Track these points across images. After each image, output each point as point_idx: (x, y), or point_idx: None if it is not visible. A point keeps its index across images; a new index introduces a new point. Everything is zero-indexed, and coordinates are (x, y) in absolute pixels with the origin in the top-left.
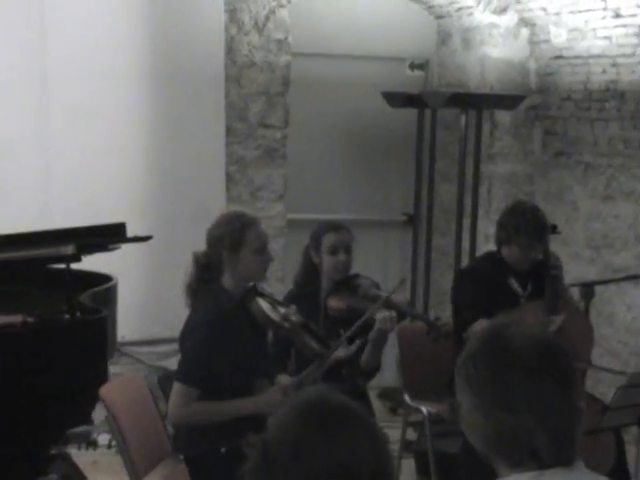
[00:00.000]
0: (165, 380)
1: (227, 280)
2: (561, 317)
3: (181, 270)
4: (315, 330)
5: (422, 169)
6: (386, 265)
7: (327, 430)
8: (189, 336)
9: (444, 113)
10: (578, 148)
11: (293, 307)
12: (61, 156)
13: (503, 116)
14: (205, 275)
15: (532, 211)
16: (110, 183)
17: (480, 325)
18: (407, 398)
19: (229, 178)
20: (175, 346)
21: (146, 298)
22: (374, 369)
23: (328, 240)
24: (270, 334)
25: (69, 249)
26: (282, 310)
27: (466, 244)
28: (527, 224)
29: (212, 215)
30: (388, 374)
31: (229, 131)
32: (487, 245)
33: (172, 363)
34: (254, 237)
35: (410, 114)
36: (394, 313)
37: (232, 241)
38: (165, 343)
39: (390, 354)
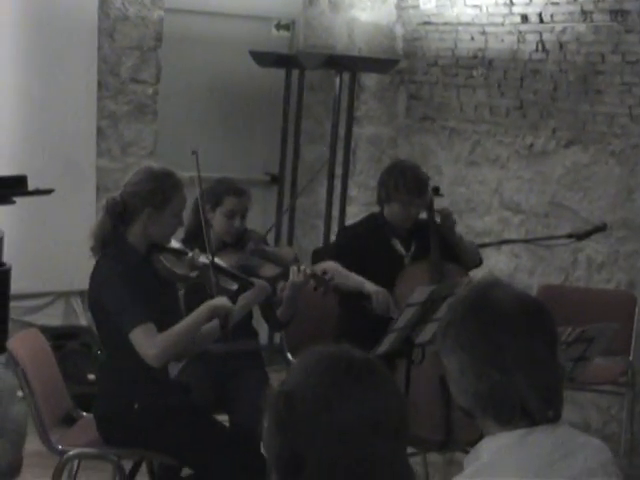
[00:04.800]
0: None
1: (134, 235)
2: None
3: (48, 223)
4: (226, 268)
5: (288, 129)
6: (248, 223)
7: (357, 383)
8: (106, 289)
9: (310, 75)
10: (443, 114)
11: (196, 250)
12: None
13: (369, 79)
14: (119, 224)
15: (411, 168)
16: None
17: (329, 265)
18: (289, 356)
19: (100, 133)
20: (43, 301)
21: (13, 252)
22: (289, 321)
23: (228, 203)
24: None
25: None
26: (188, 257)
27: (336, 206)
28: (405, 180)
29: (82, 169)
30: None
31: (101, 85)
32: (351, 207)
33: (38, 318)
34: (180, 199)
35: (277, 74)
36: (304, 266)
37: (161, 199)
38: (32, 298)
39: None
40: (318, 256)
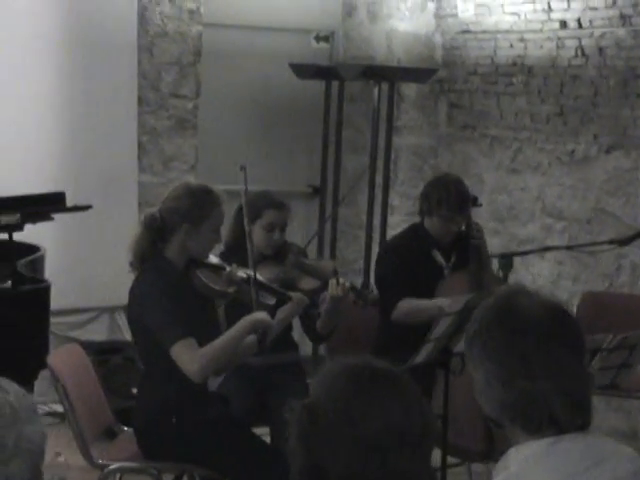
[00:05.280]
0: None
1: (172, 250)
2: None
3: (92, 238)
4: (264, 282)
5: (328, 141)
6: (290, 236)
7: (379, 394)
8: (146, 305)
9: (350, 85)
10: (484, 122)
11: (234, 265)
12: None
13: (409, 89)
14: (157, 240)
15: (455, 184)
16: (20, 153)
17: (407, 304)
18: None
19: (141, 148)
20: (87, 316)
21: (57, 268)
22: (329, 333)
23: (268, 216)
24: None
25: (15, 218)
26: (226, 272)
27: (377, 215)
28: (449, 196)
29: (123, 185)
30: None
31: (141, 101)
32: (392, 217)
33: (82, 333)
34: (217, 215)
35: (317, 86)
36: (344, 280)
37: (199, 215)
38: (76, 313)
39: None
40: (390, 302)
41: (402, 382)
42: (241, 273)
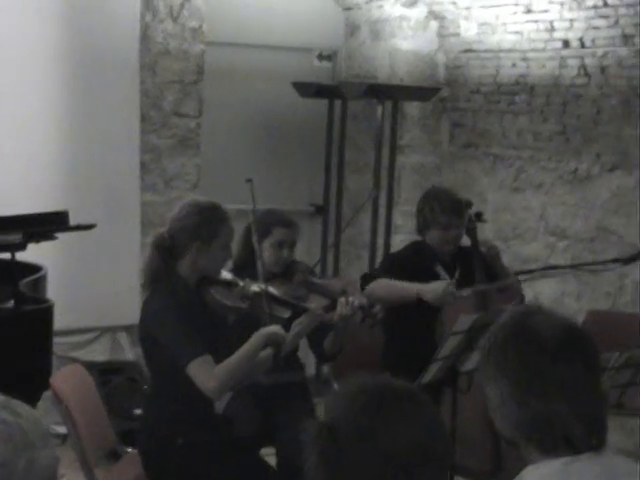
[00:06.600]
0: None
1: (183, 269)
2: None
3: (94, 258)
4: (278, 296)
5: (331, 160)
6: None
7: (400, 412)
8: (160, 323)
9: (353, 104)
10: (487, 140)
11: (247, 280)
12: None
13: (411, 108)
14: (168, 259)
15: (444, 192)
16: (21, 170)
17: (388, 281)
18: (336, 386)
19: (143, 167)
20: (89, 336)
21: (58, 287)
22: (336, 353)
23: (277, 234)
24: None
25: (17, 237)
26: (238, 287)
27: (380, 235)
28: (440, 203)
29: (126, 203)
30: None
31: (143, 119)
32: (395, 236)
33: (84, 354)
34: (227, 232)
35: (320, 105)
36: (353, 298)
37: (209, 232)
38: (78, 333)
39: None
40: (367, 279)
41: (422, 400)
42: (254, 287)
